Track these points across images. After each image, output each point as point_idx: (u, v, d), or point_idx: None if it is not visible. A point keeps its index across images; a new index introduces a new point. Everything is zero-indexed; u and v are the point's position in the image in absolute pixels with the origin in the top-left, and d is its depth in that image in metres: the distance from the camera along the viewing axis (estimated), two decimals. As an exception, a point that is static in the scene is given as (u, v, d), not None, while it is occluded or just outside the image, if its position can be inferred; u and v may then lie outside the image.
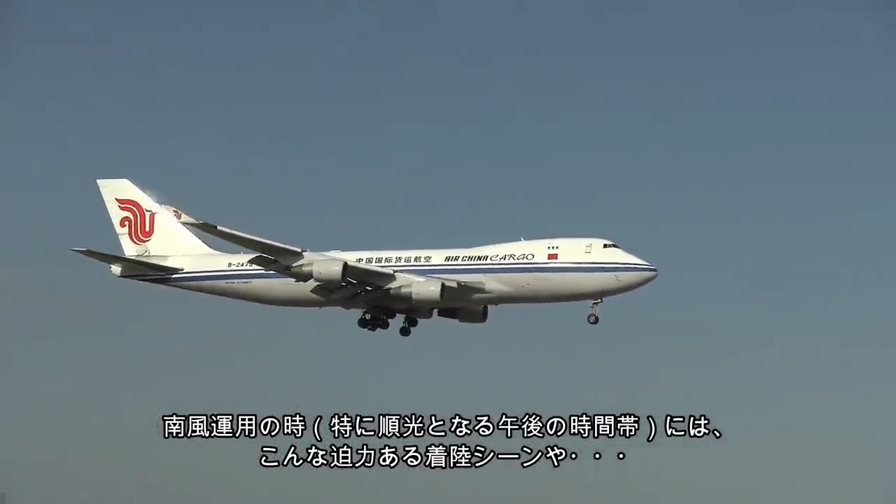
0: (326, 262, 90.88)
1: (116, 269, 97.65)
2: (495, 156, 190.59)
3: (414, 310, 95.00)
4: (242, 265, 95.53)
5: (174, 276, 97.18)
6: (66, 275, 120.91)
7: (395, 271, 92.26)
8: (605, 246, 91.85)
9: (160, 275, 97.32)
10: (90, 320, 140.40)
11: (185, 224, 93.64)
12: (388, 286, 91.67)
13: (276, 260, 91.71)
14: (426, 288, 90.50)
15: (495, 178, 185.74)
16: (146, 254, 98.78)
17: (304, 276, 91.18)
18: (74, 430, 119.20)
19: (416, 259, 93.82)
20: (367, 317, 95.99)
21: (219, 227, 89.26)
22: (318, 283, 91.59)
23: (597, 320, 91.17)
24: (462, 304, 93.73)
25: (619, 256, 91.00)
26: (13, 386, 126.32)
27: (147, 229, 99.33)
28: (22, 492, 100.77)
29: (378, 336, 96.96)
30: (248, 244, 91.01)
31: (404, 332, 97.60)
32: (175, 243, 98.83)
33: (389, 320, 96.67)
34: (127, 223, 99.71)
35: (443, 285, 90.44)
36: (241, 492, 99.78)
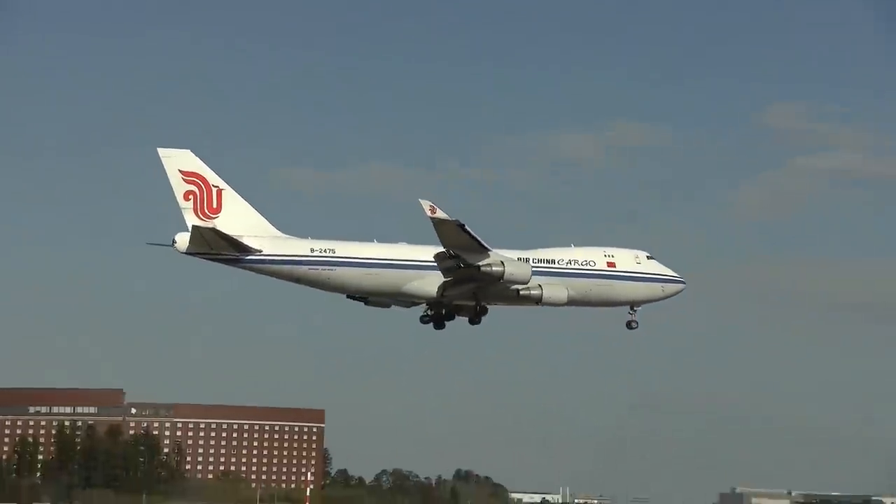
0: (517, 265, 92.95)
1: (182, 244, 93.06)
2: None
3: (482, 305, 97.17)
4: (326, 251, 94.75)
5: (249, 257, 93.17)
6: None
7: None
8: (648, 258, 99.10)
9: (234, 255, 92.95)
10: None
11: (433, 220, 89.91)
12: (521, 288, 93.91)
13: (458, 256, 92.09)
14: (558, 293, 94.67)
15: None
16: (214, 230, 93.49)
17: (495, 276, 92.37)
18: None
19: None
20: (430, 313, 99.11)
21: (466, 228, 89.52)
22: (470, 283, 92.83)
23: (637, 325, 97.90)
24: (519, 304, 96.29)
25: (660, 268, 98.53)
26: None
27: (214, 206, 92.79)
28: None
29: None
30: (475, 248, 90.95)
31: (472, 321, 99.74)
32: (244, 223, 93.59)
33: (446, 322, 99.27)
34: (192, 197, 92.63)
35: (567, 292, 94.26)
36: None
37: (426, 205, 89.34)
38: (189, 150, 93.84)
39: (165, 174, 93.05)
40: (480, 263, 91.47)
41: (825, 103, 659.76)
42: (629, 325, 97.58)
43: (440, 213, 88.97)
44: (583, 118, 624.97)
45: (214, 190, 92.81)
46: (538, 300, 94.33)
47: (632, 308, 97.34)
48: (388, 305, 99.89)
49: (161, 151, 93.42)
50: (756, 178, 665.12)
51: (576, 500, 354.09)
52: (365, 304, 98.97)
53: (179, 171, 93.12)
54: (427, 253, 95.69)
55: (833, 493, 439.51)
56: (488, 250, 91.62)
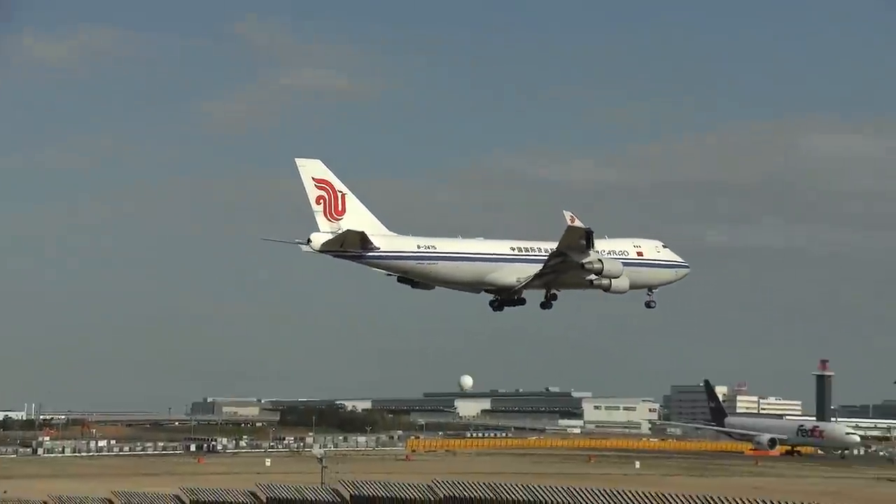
0: (611, 261, 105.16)
1: (317, 242, 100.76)
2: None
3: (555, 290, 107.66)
4: (429, 247, 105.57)
5: (369, 254, 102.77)
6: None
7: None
8: (663, 246, 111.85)
9: (358, 252, 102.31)
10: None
11: (573, 229, 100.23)
12: (596, 279, 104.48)
13: (564, 254, 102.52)
14: (623, 283, 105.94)
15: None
16: (339, 231, 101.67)
17: (596, 271, 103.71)
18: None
19: (530, 249, 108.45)
20: (499, 299, 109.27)
21: (592, 234, 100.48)
22: (561, 274, 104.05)
23: (655, 305, 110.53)
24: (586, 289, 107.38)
25: (673, 256, 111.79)
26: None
27: (340, 208, 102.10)
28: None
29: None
30: (584, 248, 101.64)
31: (544, 306, 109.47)
32: (362, 223, 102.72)
33: (505, 307, 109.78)
34: (322, 201, 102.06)
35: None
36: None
37: (568, 215, 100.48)
38: (319, 160, 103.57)
39: (301, 181, 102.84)
40: (584, 261, 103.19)
41: (298, 19, 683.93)
42: (648, 304, 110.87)
43: (578, 223, 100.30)
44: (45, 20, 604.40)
45: (339, 195, 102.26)
46: (607, 288, 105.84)
47: (650, 290, 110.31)
48: (431, 287, 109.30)
49: (298, 161, 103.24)
50: (232, 92, 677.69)
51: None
52: (412, 286, 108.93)
53: (312, 178, 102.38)
54: (502, 247, 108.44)
55: (300, 399, 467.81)
56: (592, 249, 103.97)
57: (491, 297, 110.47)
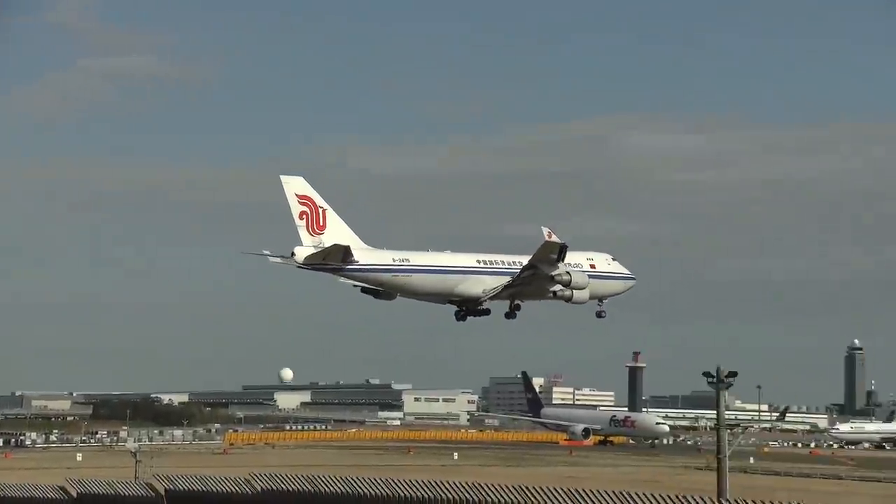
0: (579, 274, 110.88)
1: (300, 256, 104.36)
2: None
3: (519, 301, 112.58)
4: (404, 260, 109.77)
5: (349, 267, 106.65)
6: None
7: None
8: (613, 259, 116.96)
9: (338, 265, 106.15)
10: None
11: (549, 244, 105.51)
12: (559, 290, 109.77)
13: (537, 267, 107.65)
14: (583, 294, 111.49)
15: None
16: (320, 245, 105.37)
17: (565, 282, 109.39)
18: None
19: (495, 262, 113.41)
20: (464, 310, 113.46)
21: (566, 248, 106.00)
22: (523, 286, 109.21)
23: (605, 314, 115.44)
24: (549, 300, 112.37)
25: (621, 268, 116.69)
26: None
27: (321, 223, 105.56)
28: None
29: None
30: (555, 261, 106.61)
31: (509, 316, 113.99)
32: (341, 238, 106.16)
33: (468, 317, 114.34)
34: (304, 217, 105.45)
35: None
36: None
37: (545, 230, 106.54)
38: (301, 177, 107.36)
39: (285, 196, 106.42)
40: (554, 273, 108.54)
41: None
42: (599, 314, 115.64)
43: (554, 238, 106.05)
44: None
45: (321, 210, 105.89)
46: (569, 299, 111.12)
47: (600, 301, 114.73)
48: (393, 297, 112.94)
49: (282, 178, 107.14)
50: (42, 78, 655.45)
51: None
52: (375, 297, 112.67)
53: (295, 194, 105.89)
54: (469, 260, 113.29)
55: (114, 393, 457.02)
56: (561, 262, 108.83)
57: (455, 308, 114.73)
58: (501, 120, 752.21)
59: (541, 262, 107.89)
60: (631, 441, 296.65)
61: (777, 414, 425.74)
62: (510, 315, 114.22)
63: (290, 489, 64.18)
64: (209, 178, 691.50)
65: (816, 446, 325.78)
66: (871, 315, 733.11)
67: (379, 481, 60.15)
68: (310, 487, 63.10)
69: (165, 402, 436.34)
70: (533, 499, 55.58)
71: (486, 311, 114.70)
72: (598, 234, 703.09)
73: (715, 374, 78.00)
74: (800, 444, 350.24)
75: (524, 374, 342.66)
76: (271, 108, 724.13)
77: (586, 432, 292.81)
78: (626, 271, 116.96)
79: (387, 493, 59.12)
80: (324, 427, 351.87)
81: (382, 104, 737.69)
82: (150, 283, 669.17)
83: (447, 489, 57.99)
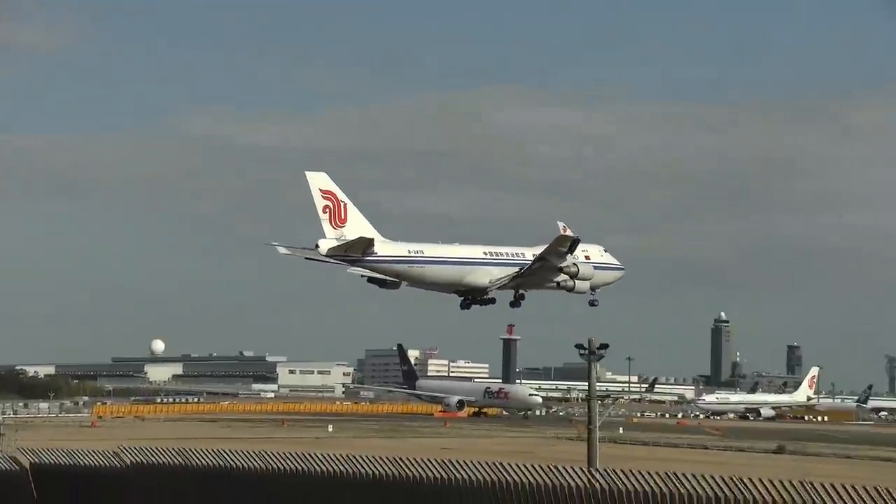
0: (585, 265, 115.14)
1: (323, 248, 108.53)
2: None
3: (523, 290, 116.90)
4: (418, 252, 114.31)
5: (368, 258, 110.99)
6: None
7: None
8: (605, 251, 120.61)
9: (358, 256, 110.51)
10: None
11: (563, 237, 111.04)
12: (562, 280, 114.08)
13: (546, 259, 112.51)
14: (584, 285, 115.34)
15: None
16: (342, 238, 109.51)
17: (572, 274, 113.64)
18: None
19: (500, 254, 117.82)
20: (469, 299, 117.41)
21: (579, 241, 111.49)
22: (531, 277, 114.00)
23: (598, 303, 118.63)
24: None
25: (613, 259, 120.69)
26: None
27: (343, 217, 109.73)
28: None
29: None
30: (564, 254, 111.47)
31: (514, 305, 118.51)
32: (361, 231, 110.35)
33: (473, 305, 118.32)
34: (327, 211, 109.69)
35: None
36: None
37: (561, 225, 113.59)
38: (325, 173, 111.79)
39: (310, 191, 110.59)
40: (562, 265, 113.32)
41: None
42: (592, 303, 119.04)
43: (569, 232, 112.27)
44: None
45: (342, 204, 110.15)
46: (571, 289, 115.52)
47: (593, 290, 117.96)
48: (398, 287, 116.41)
49: (307, 174, 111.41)
50: None
51: None
52: (380, 286, 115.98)
53: (319, 189, 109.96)
54: (476, 251, 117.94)
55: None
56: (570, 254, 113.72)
57: (460, 297, 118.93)
58: (367, 92, 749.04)
59: (551, 255, 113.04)
60: (504, 412, 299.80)
61: (646, 385, 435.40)
62: (515, 304, 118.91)
63: (161, 462, 62.86)
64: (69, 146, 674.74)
65: (684, 417, 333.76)
66: (736, 289, 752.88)
67: (251, 454, 59.26)
68: (180, 460, 61.86)
69: (31, 375, 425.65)
70: (407, 470, 55.41)
71: (492, 301, 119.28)
72: (468, 207, 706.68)
73: (587, 347, 78.83)
74: (668, 415, 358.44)
75: (400, 346, 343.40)
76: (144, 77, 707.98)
77: (461, 404, 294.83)
78: (617, 262, 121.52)
79: (259, 466, 58.30)
80: (196, 400, 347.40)
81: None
82: (14, 251, 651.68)
83: (320, 462, 57.46)
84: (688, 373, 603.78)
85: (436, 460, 55.71)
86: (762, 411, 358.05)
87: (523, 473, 51.93)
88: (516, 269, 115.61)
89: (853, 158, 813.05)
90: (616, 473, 50.30)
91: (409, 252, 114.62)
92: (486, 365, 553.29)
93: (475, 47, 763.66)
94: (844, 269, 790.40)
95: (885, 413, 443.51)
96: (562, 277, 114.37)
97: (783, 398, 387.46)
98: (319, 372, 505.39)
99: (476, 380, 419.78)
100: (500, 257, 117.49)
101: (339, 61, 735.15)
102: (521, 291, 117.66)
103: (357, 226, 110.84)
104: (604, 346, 78.52)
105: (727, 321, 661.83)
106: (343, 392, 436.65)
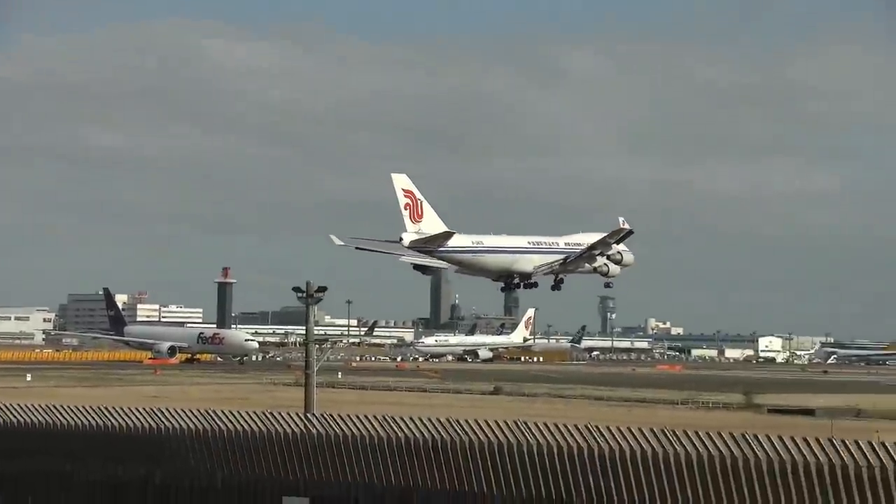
0: (628, 253, 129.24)
1: (406, 241, 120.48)
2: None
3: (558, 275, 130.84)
4: (478, 243, 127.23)
5: (440, 248, 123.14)
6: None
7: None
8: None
9: (433, 247, 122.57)
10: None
11: (619, 230, 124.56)
12: (599, 266, 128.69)
13: (595, 247, 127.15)
14: (616, 269, 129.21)
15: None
16: (420, 231, 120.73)
17: (616, 261, 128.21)
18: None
19: (542, 243, 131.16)
20: (513, 282, 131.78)
21: (630, 231, 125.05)
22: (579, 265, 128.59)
23: (613, 284, 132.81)
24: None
25: (623, 246, 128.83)
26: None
27: (420, 213, 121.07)
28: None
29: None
30: (610, 244, 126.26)
31: (555, 288, 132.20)
32: (434, 225, 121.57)
33: (518, 289, 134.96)
34: (408, 207, 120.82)
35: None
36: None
37: (621, 220, 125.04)
38: (405, 174, 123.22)
39: (394, 191, 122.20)
40: (611, 252, 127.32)
41: None
42: (607, 285, 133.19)
43: (626, 225, 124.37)
44: None
45: (419, 202, 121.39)
46: (605, 274, 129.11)
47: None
48: (439, 273, 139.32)
49: (392, 175, 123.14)
50: None
51: None
52: (423, 273, 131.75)
53: (402, 188, 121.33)
54: (522, 241, 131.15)
55: None
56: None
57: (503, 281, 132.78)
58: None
59: (603, 245, 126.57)
60: (219, 359, 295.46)
61: (366, 329, 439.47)
62: (556, 287, 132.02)
63: None
64: None
65: (403, 360, 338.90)
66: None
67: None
68: None
69: None
70: (114, 420, 52.58)
71: (535, 285, 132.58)
72: (181, 146, 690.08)
73: (304, 290, 77.42)
74: (387, 358, 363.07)
75: (106, 290, 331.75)
76: None
77: (172, 350, 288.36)
78: (626, 249, 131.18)
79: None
80: None
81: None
82: None
83: (17, 412, 53.72)
84: (407, 315, 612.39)
85: (144, 409, 53.10)
86: (480, 353, 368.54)
87: (237, 421, 50.16)
88: (555, 256, 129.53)
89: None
90: (333, 418, 49.30)
91: (473, 243, 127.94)
92: (200, 310, 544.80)
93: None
94: (556, 214, 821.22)
95: (598, 353, 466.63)
96: (599, 262, 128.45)
97: (500, 339, 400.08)
98: (17, 318, 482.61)
99: (189, 325, 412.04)
100: (540, 246, 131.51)
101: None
102: (560, 276, 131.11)
103: (431, 221, 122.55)
104: (322, 290, 77.43)
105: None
106: (43, 339, 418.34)
